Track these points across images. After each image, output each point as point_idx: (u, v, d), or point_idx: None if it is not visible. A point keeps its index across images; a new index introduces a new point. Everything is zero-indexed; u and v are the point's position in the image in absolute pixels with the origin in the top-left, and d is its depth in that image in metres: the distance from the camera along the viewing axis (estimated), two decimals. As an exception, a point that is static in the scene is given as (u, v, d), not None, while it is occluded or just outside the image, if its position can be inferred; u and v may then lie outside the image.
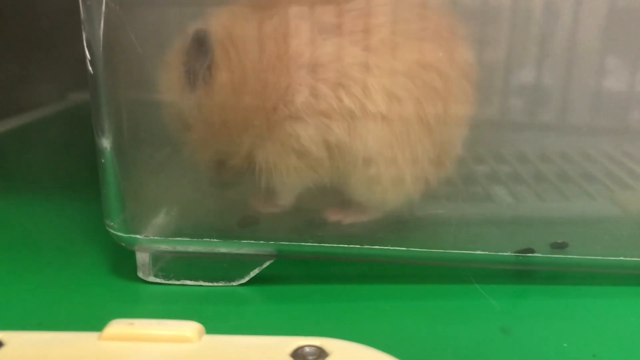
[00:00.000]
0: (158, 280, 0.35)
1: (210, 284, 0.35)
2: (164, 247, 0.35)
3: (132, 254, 0.35)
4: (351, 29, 0.32)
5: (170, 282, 0.35)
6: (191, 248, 0.35)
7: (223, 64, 0.33)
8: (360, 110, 0.32)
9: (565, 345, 0.29)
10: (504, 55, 0.35)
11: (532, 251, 0.35)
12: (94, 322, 0.25)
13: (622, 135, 0.39)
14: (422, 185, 0.36)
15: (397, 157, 0.34)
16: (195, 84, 0.33)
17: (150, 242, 0.34)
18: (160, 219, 0.36)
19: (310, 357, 0.23)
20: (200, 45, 0.33)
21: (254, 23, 0.33)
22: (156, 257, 0.35)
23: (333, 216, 0.36)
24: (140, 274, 0.35)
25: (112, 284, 0.35)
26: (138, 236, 0.34)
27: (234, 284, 0.35)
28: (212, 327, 0.25)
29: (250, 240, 0.34)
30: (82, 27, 0.31)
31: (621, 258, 0.34)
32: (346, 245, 0.34)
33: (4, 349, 0.23)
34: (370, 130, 0.33)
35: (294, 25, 0.32)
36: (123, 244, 0.35)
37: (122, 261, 0.37)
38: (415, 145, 0.34)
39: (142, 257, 0.35)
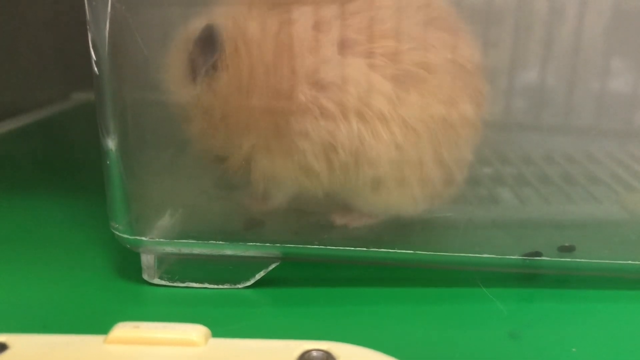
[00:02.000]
0: (163, 282, 0.35)
1: (216, 286, 0.35)
2: (169, 249, 0.35)
3: (137, 256, 0.35)
4: (372, 49, 0.31)
5: (175, 284, 0.35)
6: (196, 250, 0.35)
7: (231, 64, 0.32)
8: (371, 137, 0.32)
9: (574, 350, 0.29)
10: (509, 57, 0.35)
11: (540, 254, 0.34)
12: (99, 325, 0.25)
13: (628, 137, 0.39)
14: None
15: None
16: (196, 77, 0.33)
17: (155, 244, 0.34)
18: (166, 221, 0.36)
19: (317, 362, 0.23)
20: (209, 40, 0.32)
21: (270, 26, 0.32)
22: (161, 259, 0.35)
23: (340, 219, 0.36)
24: (145, 276, 0.35)
25: (117, 287, 0.35)
26: (143, 238, 0.34)
27: (240, 286, 0.35)
28: (218, 330, 0.25)
29: (256, 242, 0.34)
30: (88, 27, 0.31)
31: (629, 262, 0.34)
32: (352, 248, 0.34)
33: (8, 351, 0.23)
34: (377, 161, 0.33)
35: (313, 38, 0.32)
36: (128, 246, 0.35)
37: (127, 263, 0.37)
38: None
39: (147, 259, 0.35)
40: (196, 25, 0.33)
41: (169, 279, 0.35)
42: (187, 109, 0.34)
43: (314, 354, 0.23)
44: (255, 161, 0.34)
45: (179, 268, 0.35)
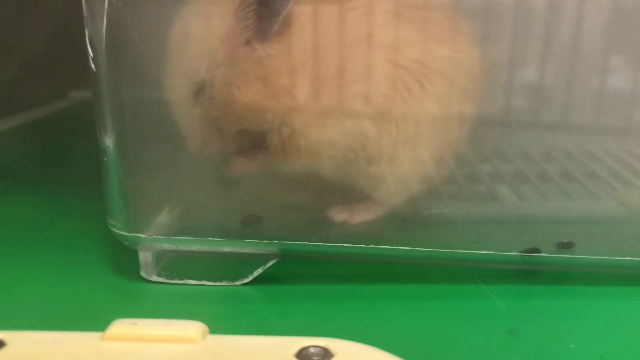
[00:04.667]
0: (161, 279, 0.35)
1: (214, 283, 0.35)
2: (166, 246, 0.35)
3: (134, 253, 0.35)
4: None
5: (173, 281, 0.35)
6: (194, 247, 0.35)
7: (301, 18, 0.30)
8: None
9: (572, 346, 0.29)
10: (508, 54, 0.35)
11: (538, 251, 0.34)
12: (97, 322, 0.25)
13: (627, 134, 0.38)
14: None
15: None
16: (266, 33, 0.30)
17: (153, 241, 0.34)
18: (163, 218, 0.36)
19: (315, 358, 0.23)
20: None
21: None
22: (159, 256, 0.35)
23: (339, 216, 0.36)
24: (143, 273, 0.35)
25: (114, 284, 0.35)
26: (141, 235, 0.34)
27: (238, 283, 0.35)
28: (216, 327, 0.25)
29: (254, 239, 0.34)
30: (85, 24, 0.31)
31: (627, 258, 0.34)
32: (350, 245, 0.34)
33: (6, 348, 0.23)
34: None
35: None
36: (126, 243, 0.35)
37: (124, 260, 0.37)
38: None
39: (145, 256, 0.35)
40: None
41: (166, 276, 0.35)
42: (238, 75, 0.31)
43: (312, 350, 0.23)
44: (306, 130, 0.32)
45: (177, 265, 0.35)
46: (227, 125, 0.33)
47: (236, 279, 0.35)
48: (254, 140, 0.33)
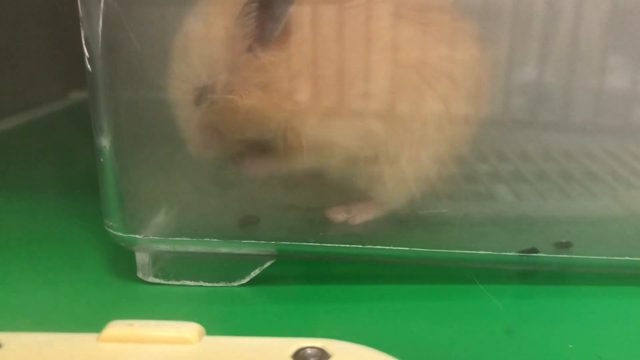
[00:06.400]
0: (158, 280, 0.35)
1: (211, 284, 0.35)
2: (163, 247, 0.35)
3: (131, 254, 0.35)
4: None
5: (170, 282, 0.35)
6: (191, 248, 0.34)
7: (302, 23, 0.30)
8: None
9: (570, 346, 0.29)
10: (507, 53, 0.35)
11: (536, 251, 0.34)
12: (93, 323, 0.25)
13: (626, 133, 0.38)
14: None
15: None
16: (267, 40, 0.30)
17: (149, 242, 0.34)
18: (160, 219, 0.35)
19: (312, 359, 0.23)
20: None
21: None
22: (156, 258, 0.35)
23: (339, 216, 0.36)
24: (139, 275, 0.35)
25: (111, 285, 0.35)
26: (137, 236, 0.34)
27: (235, 284, 0.35)
28: (212, 328, 0.25)
29: (251, 240, 0.34)
30: (81, 24, 0.31)
31: (626, 258, 0.34)
32: (348, 245, 0.34)
33: (2, 350, 0.23)
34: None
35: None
36: (122, 244, 0.35)
37: (121, 261, 0.37)
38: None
39: (142, 258, 0.35)
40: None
41: (163, 277, 0.35)
42: (240, 83, 0.31)
43: (309, 351, 0.23)
44: (313, 133, 0.32)
45: (174, 266, 0.35)
46: (229, 132, 0.33)
47: (233, 280, 0.35)
48: (258, 144, 0.33)
